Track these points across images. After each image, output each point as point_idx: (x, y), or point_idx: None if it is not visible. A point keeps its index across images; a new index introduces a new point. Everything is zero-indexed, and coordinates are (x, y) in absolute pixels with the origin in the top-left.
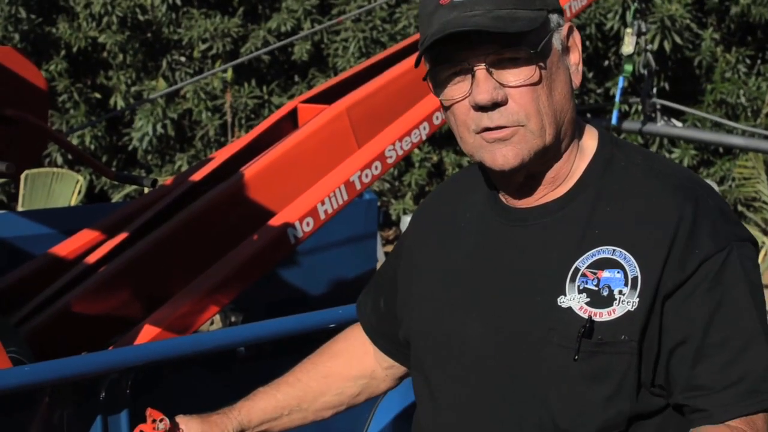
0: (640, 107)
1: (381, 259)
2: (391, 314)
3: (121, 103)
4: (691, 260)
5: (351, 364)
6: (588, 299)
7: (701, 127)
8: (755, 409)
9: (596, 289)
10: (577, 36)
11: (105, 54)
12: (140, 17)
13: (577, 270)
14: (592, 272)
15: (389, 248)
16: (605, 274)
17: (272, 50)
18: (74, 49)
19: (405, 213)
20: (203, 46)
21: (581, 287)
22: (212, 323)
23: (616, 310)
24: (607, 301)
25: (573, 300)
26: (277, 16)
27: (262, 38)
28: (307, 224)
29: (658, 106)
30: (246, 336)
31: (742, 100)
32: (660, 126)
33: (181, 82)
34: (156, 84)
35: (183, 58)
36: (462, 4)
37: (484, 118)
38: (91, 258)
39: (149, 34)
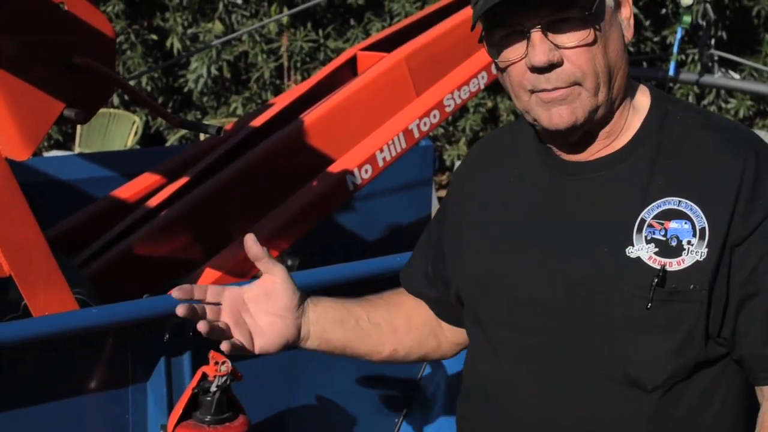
0: (697, 57)
1: (435, 204)
2: (438, 278)
3: (177, 45)
4: (757, 210)
5: (420, 311)
6: (656, 249)
7: (758, 78)
8: None
9: (664, 239)
10: None
11: None
12: None
13: (643, 221)
14: (658, 223)
15: (443, 193)
16: (672, 224)
17: None
18: None
19: (459, 158)
20: None
21: (648, 237)
22: None
23: (686, 260)
24: (676, 251)
25: (641, 250)
26: None
27: None
28: (366, 171)
29: (716, 57)
30: (305, 282)
31: None
32: (717, 78)
33: (237, 24)
34: (212, 26)
35: (239, 0)
36: None
37: (542, 79)
38: (153, 201)
39: None
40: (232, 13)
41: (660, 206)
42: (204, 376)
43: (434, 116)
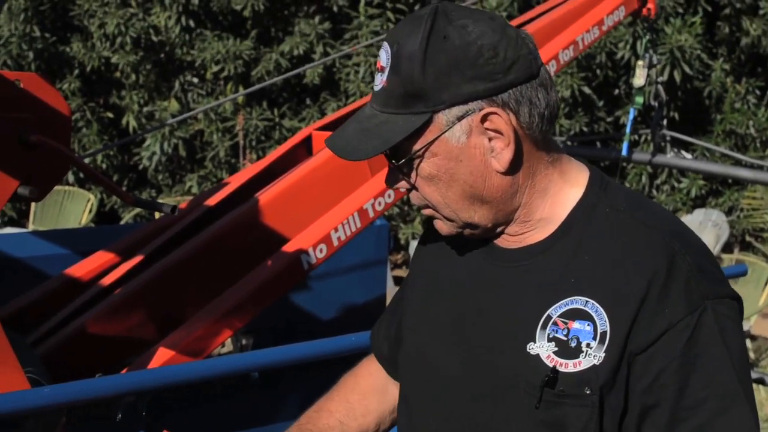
0: (649, 138)
1: (390, 284)
2: (399, 341)
3: (133, 123)
4: (661, 320)
5: (385, 399)
6: (556, 348)
7: (710, 158)
8: None
9: (565, 339)
10: (499, 120)
11: (118, 74)
12: (153, 38)
13: (549, 317)
14: (563, 321)
15: (398, 272)
16: (575, 324)
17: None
18: (87, 69)
19: (414, 237)
20: (215, 68)
21: (551, 335)
22: (223, 346)
23: (582, 363)
24: (574, 353)
25: (542, 347)
26: (290, 40)
27: (274, 61)
28: (321, 251)
29: (668, 138)
30: (260, 361)
31: (752, 130)
32: (669, 157)
33: (193, 102)
34: (168, 104)
35: (195, 79)
36: (373, 96)
37: None
38: (107, 280)
39: (162, 55)
40: (188, 92)
41: (567, 304)
42: None
43: (389, 196)
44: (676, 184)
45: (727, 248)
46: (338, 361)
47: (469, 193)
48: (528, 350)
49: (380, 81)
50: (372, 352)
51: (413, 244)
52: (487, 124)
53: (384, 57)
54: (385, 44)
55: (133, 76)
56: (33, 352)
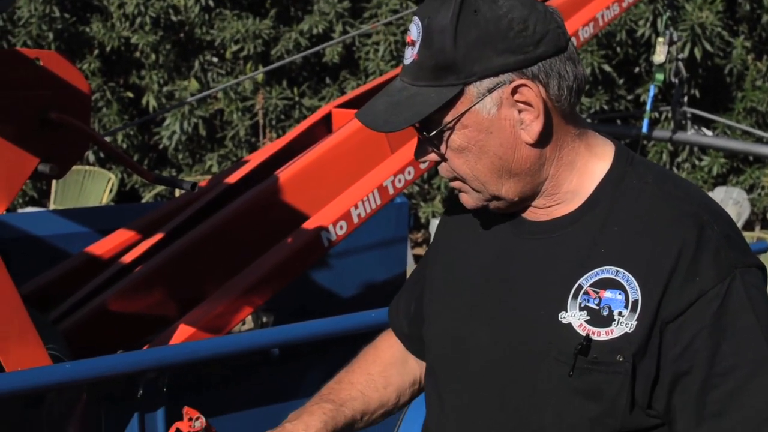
0: (670, 115)
1: (410, 262)
2: (419, 317)
3: (153, 103)
4: (691, 288)
5: (406, 371)
6: (588, 317)
7: (731, 136)
8: None
9: (597, 308)
10: (529, 92)
11: (138, 54)
12: (173, 18)
13: (580, 287)
14: (594, 291)
15: (418, 251)
16: (607, 294)
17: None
18: (107, 49)
19: (434, 216)
20: (235, 47)
21: (582, 305)
22: (244, 323)
23: (614, 331)
24: (606, 321)
25: (573, 317)
26: (309, 18)
27: (293, 40)
28: (341, 228)
29: (689, 115)
30: (280, 337)
31: None
32: (690, 134)
33: (213, 82)
34: (188, 84)
35: (215, 59)
36: (403, 70)
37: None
38: (128, 257)
39: (182, 35)
40: (207, 71)
41: (598, 274)
42: None
43: (409, 173)
44: (697, 162)
45: (748, 226)
46: (358, 338)
47: (498, 165)
48: (560, 319)
49: (411, 55)
50: (391, 327)
51: (434, 223)
52: (517, 96)
53: (415, 31)
54: (416, 18)
55: (153, 56)
56: (54, 329)
